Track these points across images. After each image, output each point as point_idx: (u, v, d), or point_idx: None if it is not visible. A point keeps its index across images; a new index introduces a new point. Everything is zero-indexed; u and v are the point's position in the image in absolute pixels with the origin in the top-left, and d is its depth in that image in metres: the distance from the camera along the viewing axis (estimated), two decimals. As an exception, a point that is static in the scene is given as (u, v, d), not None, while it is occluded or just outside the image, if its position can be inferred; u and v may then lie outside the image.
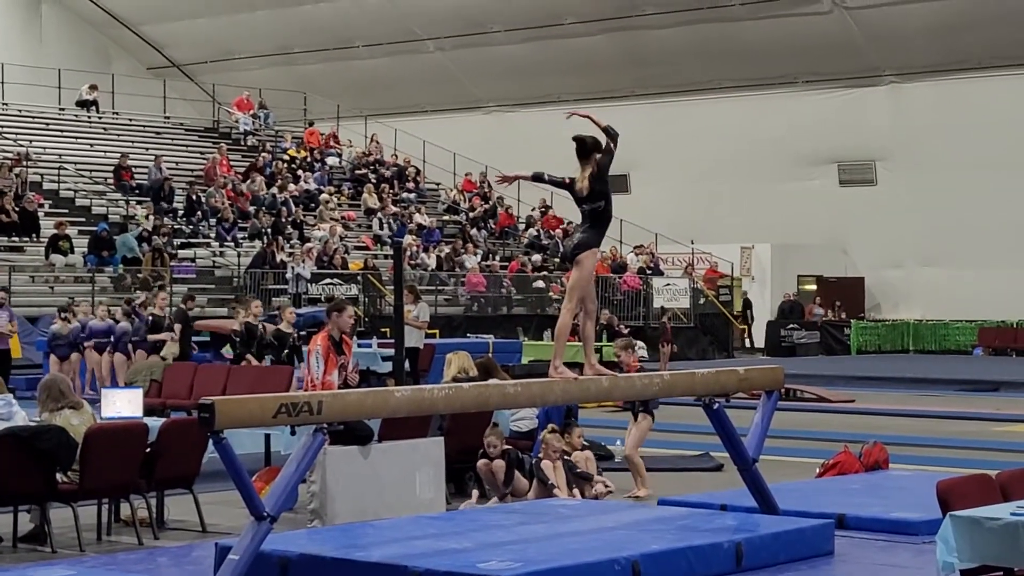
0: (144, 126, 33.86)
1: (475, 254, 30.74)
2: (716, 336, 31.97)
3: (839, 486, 9.97)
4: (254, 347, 16.66)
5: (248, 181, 30.97)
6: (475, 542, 7.16)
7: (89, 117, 33.27)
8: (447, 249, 30.30)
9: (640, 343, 27.91)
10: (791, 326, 32.98)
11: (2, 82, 33.04)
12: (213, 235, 28.02)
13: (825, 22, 33.09)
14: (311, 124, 36.50)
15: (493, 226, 33.86)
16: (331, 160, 34.77)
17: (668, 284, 31.72)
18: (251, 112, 35.55)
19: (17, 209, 25.49)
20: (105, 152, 31.08)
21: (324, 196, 31.62)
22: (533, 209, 34.78)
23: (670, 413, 17.16)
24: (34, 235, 25.55)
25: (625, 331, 24.77)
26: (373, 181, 33.51)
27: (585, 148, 7.69)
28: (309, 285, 25.56)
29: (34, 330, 21.42)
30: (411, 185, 34.60)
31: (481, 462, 10.39)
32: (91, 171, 29.80)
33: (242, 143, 34.82)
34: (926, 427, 16.77)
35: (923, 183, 33.38)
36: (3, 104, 32.62)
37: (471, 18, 36.09)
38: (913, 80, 33.67)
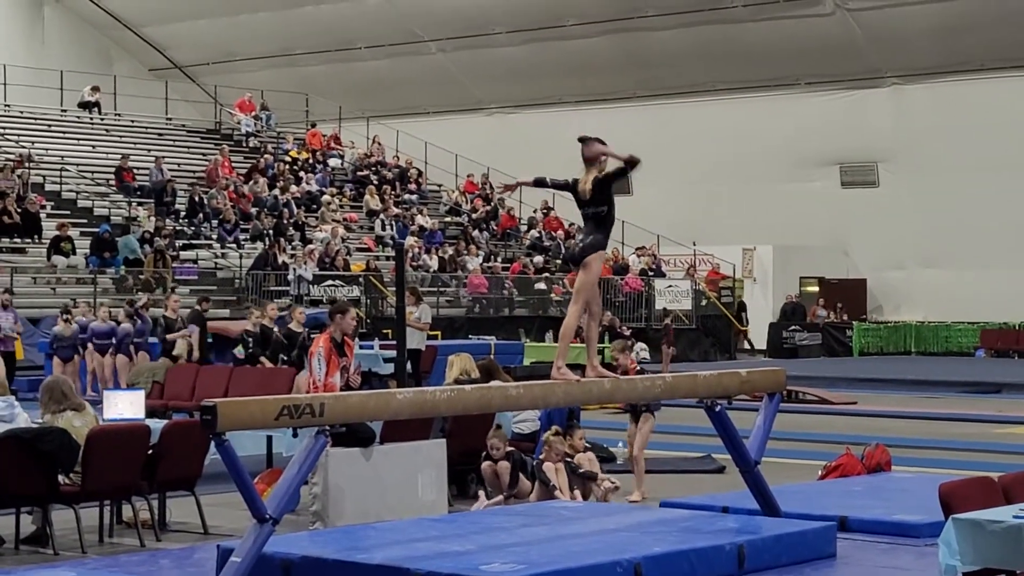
0: (146, 127, 33.87)
1: (477, 255, 30.75)
2: (718, 338, 31.97)
3: (841, 488, 9.97)
4: (268, 349, 16.65)
5: (250, 183, 30.98)
6: (477, 544, 7.16)
7: (91, 118, 33.29)
8: (450, 251, 30.31)
9: (642, 344, 27.96)
10: (793, 328, 32.97)
11: (4, 84, 33.07)
12: (215, 237, 28.03)
13: (827, 24, 33.09)
14: (313, 125, 36.50)
15: (495, 227, 33.86)
16: (333, 161, 34.78)
17: (670, 286, 31.71)
18: (253, 113, 35.58)
19: (19, 210, 25.51)
20: (107, 154, 31.10)
21: (326, 198, 31.63)
22: (535, 211, 34.80)
23: (672, 415, 17.16)
24: (36, 236, 25.56)
25: (627, 332, 24.76)
26: (375, 182, 33.52)
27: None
28: (311, 287, 25.58)
29: (36, 331, 21.43)
30: (413, 187, 34.61)
31: (485, 464, 10.39)
32: (93, 172, 29.82)
33: (244, 144, 34.84)
34: (928, 429, 16.75)
35: (925, 185, 33.37)
36: (5, 106, 32.65)
37: (473, 20, 36.10)
38: (915, 82, 33.66)
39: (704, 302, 32.09)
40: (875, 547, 8.10)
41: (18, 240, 25.30)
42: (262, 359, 16.64)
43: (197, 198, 28.72)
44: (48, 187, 28.39)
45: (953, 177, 32.82)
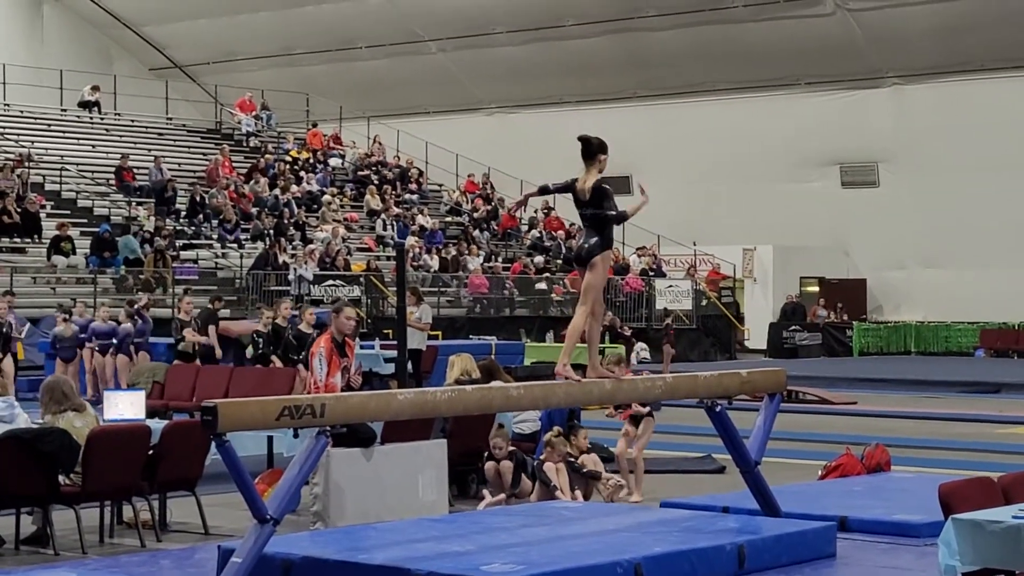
0: (146, 127, 33.88)
1: (477, 255, 30.75)
2: (718, 337, 31.99)
3: (841, 488, 9.97)
4: (280, 349, 16.59)
5: (250, 182, 30.99)
6: (478, 544, 7.16)
7: (91, 118, 33.30)
8: (453, 251, 30.31)
9: (642, 344, 28.01)
10: (793, 328, 32.98)
11: (4, 83, 33.07)
12: (215, 236, 28.03)
13: (827, 24, 33.10)
14: (314, 125, 36.52)
15: (495, 227, 33.87)
16: (333, 161, 34.79)
17: (670, 286, 31.73)
18: (253, 113, 35.59)
19: (19, 210, 25.52)
20: (107, 153, 31.11)
21: (326, 197, 31.64)
22: (536, 211, 34.80)
23: (672, 415, 17.18)
24: (36, 236, 25.57)
25: (627, 332, 24.80)
26: (375, 182, 33.52)
27: (591, 149, 7.51)
28: (311, 287, 25.58)
29: (36, 331, 21.43)
30: (413, 186, 34.62)
31: (489, 464, 10.40)
32: (93, 172, 29.83)
33: (244, 144, 34.85)
34: (928, 429, 16.76)
35: (925, 185, 33.38)
36: (5, 105, 32.65)
37: (473, 19, 36.10)
38: (915, 82, 33.67)
39: (704, 302, 32.10)
40: (875, 547, 8.10)
41: (18, 240, 25.31)
42: (273, 358, 16.51)
43: (198, 198, 28.73)
44: (48, 187, 28.40)
45: (953, 177, 32.83)
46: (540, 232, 33.75)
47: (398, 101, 38.61)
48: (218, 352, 18.21)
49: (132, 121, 34.00)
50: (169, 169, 30.10)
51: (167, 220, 27.72)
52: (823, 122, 34.15)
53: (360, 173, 34.36)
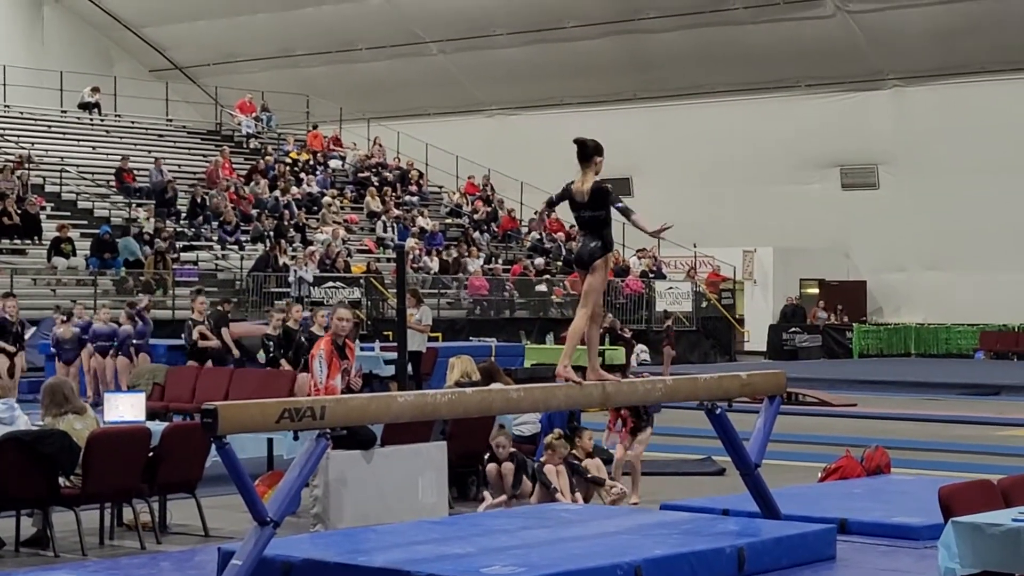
0: (146, 129, 33.89)
1: (478, 257, 30.76)
2: (718, 339, 32.00)
3: (841, 490, 9.97)
4: (292, 352, 16.49)
5: (250, 184, 31.00)
6: (478, 547, 7.17)
7: (91, 119, 33.31)
8: (454, 253, 30.32)
9: (642, 346, 28.02)
10: (793, 329, 32.98)
11: (4, 84, 33.08)
12: (215, 238, 28.04)
13: (828, 26, 33.10)
14: (315, 127, 36.52)
15: (496, 229, 33.88)
16: (334, 163, 34.80)
17: (670, 288, 31.74)
18: (253, 115, 35.60)
19: (19, 212, 25.52)
20: (107, 155, 31.12)
21: (327, 199, 31.65)
22: (535, 212, 34.78)
23: (672, 417, 17.19)
24: (36, 238, 25.57)
25: (628, 334, 24.79)
26: (376, 184, 33.53)
27: (587, 151, 7.47)
28: (311, 288, 25.58)
29: (37, 333, 21.42)
30: (414, 188, 34.63)
31: (490, 465, 10.40)
32: (93, 174, 29.83)
33: (244, 146, 34.86)
34: (928, 431, 16.77)
35: (925, 187, 33.38)
36: (5, 106, 32.66)
37: (474, 21, 36.11)
38: (916, 84, 33.67)
39: (704, 304, 32.11)
40: (875, 549, 8.10)
41: (18, 241, 25.32)
42: (283, 361, 16.38)
43: (199, 199, 28.73)
44: (48, 188, 28.40)
45: (953, 179, 32.83)
46: (540, 234, 33.75)
47: (398, 103, 38.61)
48: (235, 352, 18.11)
49: (132, 123, 34.02)
50: (169, 171, 30.10)
51: (167, 222, 27.71)
52: (823, 124, 34.15)
53: (360, 175, 34.36)
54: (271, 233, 28.37)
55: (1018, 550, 5.89)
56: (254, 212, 29.41)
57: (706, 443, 13.06)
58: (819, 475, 10.88)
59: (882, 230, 34.28)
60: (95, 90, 33.69)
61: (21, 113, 32.49)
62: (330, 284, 26.08)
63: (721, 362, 30.39)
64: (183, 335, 18.45)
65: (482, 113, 39.03)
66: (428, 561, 6.74)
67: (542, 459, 10.46)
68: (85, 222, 27.23)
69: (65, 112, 33.41)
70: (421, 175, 35.53)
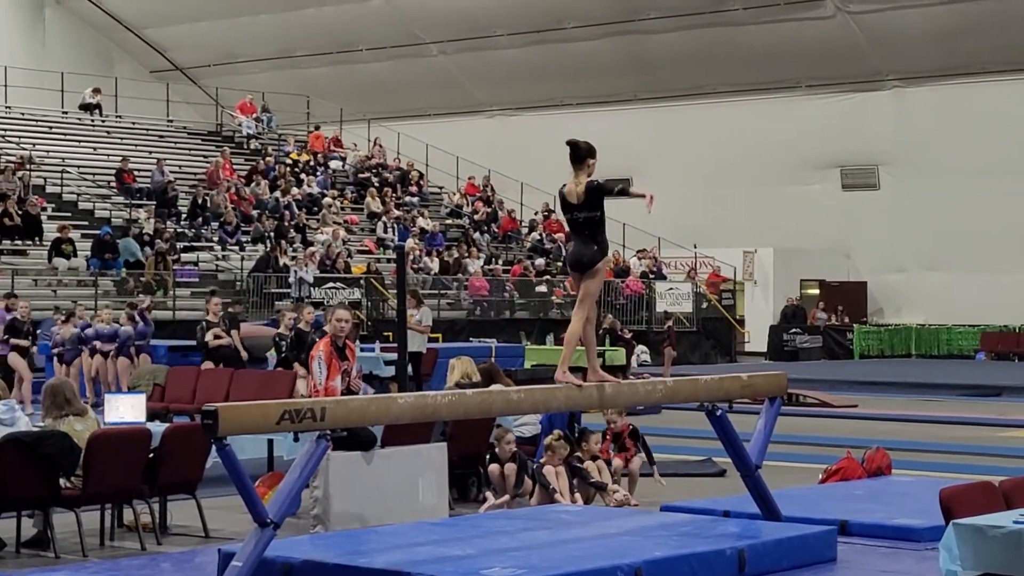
0: (147, 129, 33.89)
1: (478, 258, 30.76)
2: (719, 340, 32.00)
3: (842, 492, 9.96)
4: (304, 353, 16.37)
5: (251, 184, 31.00)
6: (478, 548, 7.16)
7: (92, 120, 33.31)
8: (454, 254, 30.31)
9: (643, 347, 28.02)
10: (793, 330, 32.98)
11: (5, 85, 33.09)
12: (216, 239, 28.04)
13: (828, 26, 33.10)
14: (317, 128, 36.54)
15: (496, 230, 33.88)
16: (334, 164, 34.80)
17: (671, 288, 31.74)
18: (254, 116, 35.60)
19: (20, 213, 25.52)
20: (108, 155, 31.12)
21: (327, 200, 31.65)
22: (536, 213, 34.81)
23: (673, 418, 17.19)
24: (37, 239, 25.57)
25: (628, 335, 24.79)
26: (376, 185, 33.53)
27: (579, 153, 7.44)
28: (312, 289, 25.58)
29: (37, 333, 21.40)
30: (414, 189, 34.63)
31: (492, 466, 10.40)
32: (94, 174, 29.84)
33: (245, 147, 34.86)
34: (929, 432, 16.76)
35: (926, 188, 33.37)
36: (6, 107, 32.67)
37: (474, 22, 36.11)
38: (916, 84, 33.67)
39: (705, 305, 32.11)
40: (876, 551, 8.09)
41: (19, 242, 25.31)
42: (295, 363, 16.28)
43: (200, 200, 28.73)
44: (49, 189, 28.41)
45: (954, 180, 32.83)
46: (540, 235, 33.76)
47: (399, 103, 38.62)
48: (243, 354, 18.03)
49: (133, 123, 34.02)
50: (170, 171, 30.11)
51: (168, 222, 27.71)
52: (824, 125, 34.15)
53: (360, 175, 34.36)
54: (271, 234, 28.37)
55: (1019, 552, 5.89)
56: (254, 213, 29.41)
57: (707, 444, 13.04)
58: (820, 476, 10.87)
59: (883, 231, 34.28)
60: (96, 91, 33.70)
61: (22, 114, 32.49)
62: (330, 285, 26.08)
63: (721, 363, 30.39)
64: (197, 336, 18.27)
65: (482, 114, 39.04)
66: (428, 562, 6.73)
67: (542, 460, 10.46)
68: (86, 223, 27.24)
69: (66, 113, 33.41)
70: (421, 176, 35.53)
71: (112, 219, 27.70)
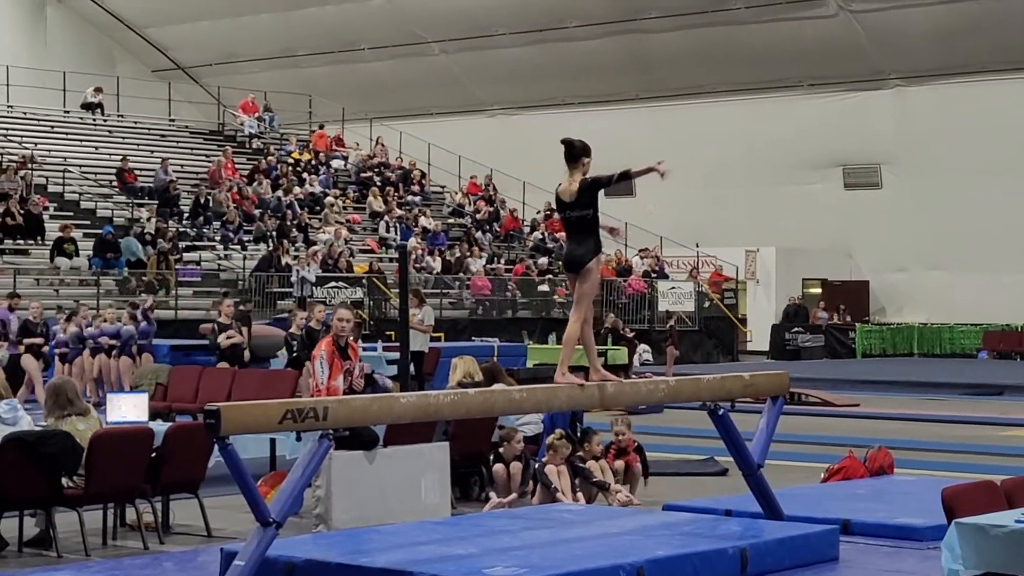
0: (149, 129, 33.90)
1: (480, 257, 30.76)
2: (721, 339, 31.99)
3: (844, 491, 9.96)
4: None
5: (253, 184, 31.01)
6: (480, 548, 7.17)
7: (94, 120, 33.32)
8: (456, 253, 30.31)
9: (645, 346, 28.01)
10: (796, 329, 32.97)
11: (7, 85, 33.08)
12: (218, 238, 28.05)
13: (830, 26, 33.08)
14: (321, 127, 36.55)
15: (498, 229, 33.88)
16: (336, 163, 34.81)
17: (673, 287, 31.73)
18: (256, 115, 35.60)
19: (22, 212, 25.53)
20: (110, 155, 31.13)
21: (329, 199, 31.66)
22: (538, 212, 34.81)
23: (675, 417, 17.20)
24: (39, 238, 25.58)
25: (630, 334, 24.79)
26: (378, 184, 33.54)
27: (574, 152, 7.44)
28: (314, 288, 25.58)
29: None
30: (416, 188, 34.64)
31: (498, 466, 10.40)
32: (96, 174, 29.84)
33: (247, 146, 34.87)
34: (931, 431, 16.75)
35: (928, 187, 33.37)
36: (8, 107, 32.67)
37: (476, 21, 36.11)
38: (918, 84, 33.66)
39: (707, 304, 32.10)
40: (878, 550, 8.09)
41: (21, 242, 25.32)
42: (307, 363, 16.22)
43: (202, 199, 28.74)
44: (51, 188, 28.42)
45: (956, 179, 32.82)
46: (542, 234, 33.75)
47: (401, 103, 38.62)
48: (247, 354, 18.00)
49: (135, 123, 34.03)
50: (172, 171, 30.11)
51: (170, 222, 27.72)
52: (825, 124, 34.14)
53: (363, 175, 34.37)
54: (274, 233, 28.38)
55: (1021, 551, 5.89)
56: (257, 212, 29.42)
57: (709, 443, 13.04)
58: (822, 476, 10.87)
59: (884, 230, 34.27)
60: (98, 90, 33.71)
61: (24, 113, 32.50)
62: (332, 284, 26.09)
63: (724, 362, 30.38)
64: (209, 338, 18.14)
65: (484, 113, 39.04)
66: (430, 562, 6.74)
67: (544, 459, 10.46)
68: (88, 222, 27.25)
69: (68, 112, 33.43)
70: (423, 175, 35.53)
71: (114, 218, 27.71)
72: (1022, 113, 31.72)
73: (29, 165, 28.04)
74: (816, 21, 33.12)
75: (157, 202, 28.53)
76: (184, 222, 28.40)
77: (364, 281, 26.92)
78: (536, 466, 10.44)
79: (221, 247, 27.79)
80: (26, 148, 29.54)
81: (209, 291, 25.91)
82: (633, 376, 19.21)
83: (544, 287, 30.18)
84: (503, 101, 38.78)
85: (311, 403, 6.55)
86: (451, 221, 33.64)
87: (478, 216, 33.92)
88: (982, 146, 32.23)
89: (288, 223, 29.13)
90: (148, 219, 27.06)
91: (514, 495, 10.28)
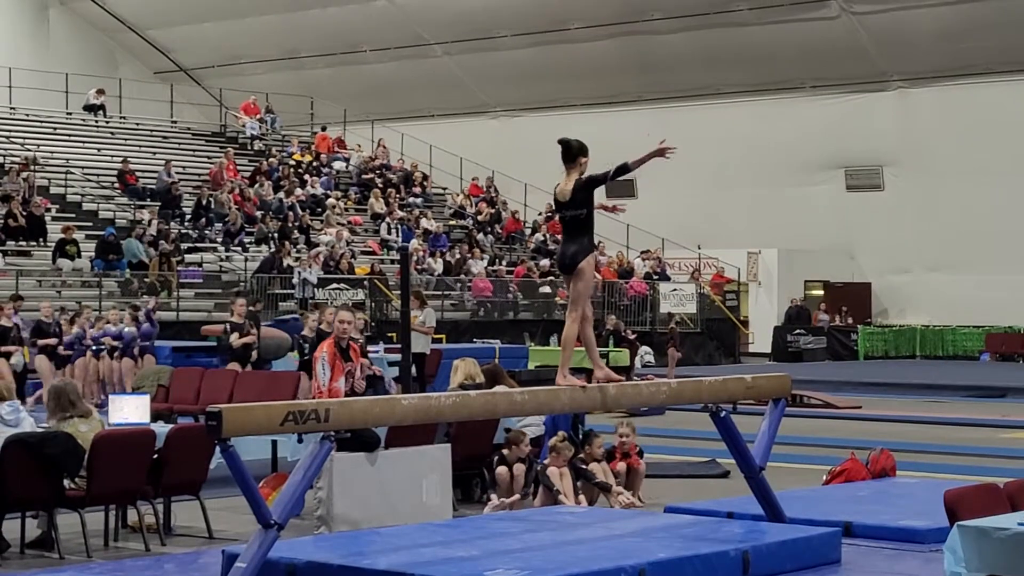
0: (151, 130, 33.91)
1: (481, 259, 30.76)
2: (723, 341, 31.97)
3: (846, 493, 9.96)
4: None
5: (255, 186, 31.02)
6: (482, 550, 7.17)
7: (96, 121, 33.34)
8: (457, 255, 30.31)
9: (646, 348, 28.00)
10: (798, 331, 32.96)
11: (9, 86, 33.10)
12: (220, 240, 28.05)
13: (833, 27, 33.07)
14: (322, 129, 36.55)
15: (499, 231, 33.88)
16: (338, 164, 34.81)
17: (675, 289, 31.72)
18: (258, 116, 35.62)
19: (24, 214, 25.54)
20: (112, 156, 31.14)
21: (331, 201, 31.66)
22: (539, 214, 34.81)
23: (677, 419, 17.20)
24: (41, 239, 25.59)
25: (632, 336, 24.78)
26: (380, 186, 33.55)
27: (571, 152, 7.43)
28: (316, 290, 25.59)
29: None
30: (418, 190, 34.64)
31: (501, 468, 10.39)
32: (98, 175, 29.85)
33: (249, 148, 34.88)
34: (933, 434, 16.74)
35: (930, 188, 33.35)
36: (11, 108, 32.69)
37: (478, 23, 36.11)
38: (920, 85, 33.64)
39: (709, 305, 32.09)
40: (880, 553, 8.09)
41: (23, 243, 25.33)
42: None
43: (204, 201, 28.75)
44: (53, 190, 28.43)
45: (958, 181, 32.80)
46: (544, 235, 33.75)
47: (402, 104, 38.63)
48: (254, 354, 17.93)
49: (137, 124, 34.04)
50: (174, 172, 30.12)
51: (172, 223, 27.73)
52: (828, 125, 34.14)
53: (364, 176, 34.38)
54: (275, 235, 28.38)
55: (1024, 554, 5.88)
56: (258, 214, 29.42)
57: (710, 446, 13.05)
58: (824, 478, 10.87)
59: (887, 232, 34.25)
60: (100, 92, 33.73)
61: (27, 115, 32.52)
62: (334, 286, 26.09)
63: (725, 364, 30.38)
64: (221, 339, 18.04)
65: (486, 115, 39.04)
66: (432, 564, 6.74)
67: (546, 461, 10.45)
68: (90, 224, 27.26)
69: (70, 114, 33.44)
70: (425, 177, 35.54)
71: (116, 220, 27.73)
72: (1025, 114, 31.73)
73: (31, 167, 28.06)
74: (818, 23, 33.11)
75: (159, 204, 28.54)
76: (186, 224, 28.41)
77: (365, 283, 26.92)
78: (538, 468, 10.44)
79: (223, 249, 27.80)
80: (28, 150, 29.57)
81: (211, 293, 25.93)
82: (635, 378, 19.21)
83: (546, 289, 30.17)
84: (505, 103, 38.78)
85: (313, 405, 6.55)
86: (452, 223, 33.64)
87: (480, 218, 33.92)
88: (985, 147, 32.22)
89: (290, 225, 29.13)
90: (150, 221, 27.06)
91: (516, 496, 10.28)
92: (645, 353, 27.64)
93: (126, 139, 32.87)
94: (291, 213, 29.74)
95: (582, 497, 10.32)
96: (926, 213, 33.38)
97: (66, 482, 8.56)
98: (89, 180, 29.45)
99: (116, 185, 29.45)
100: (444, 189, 36.22)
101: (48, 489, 8.45)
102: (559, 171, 7.65)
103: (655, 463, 12.23)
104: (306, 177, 32.95)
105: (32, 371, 18.70)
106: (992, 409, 20.42)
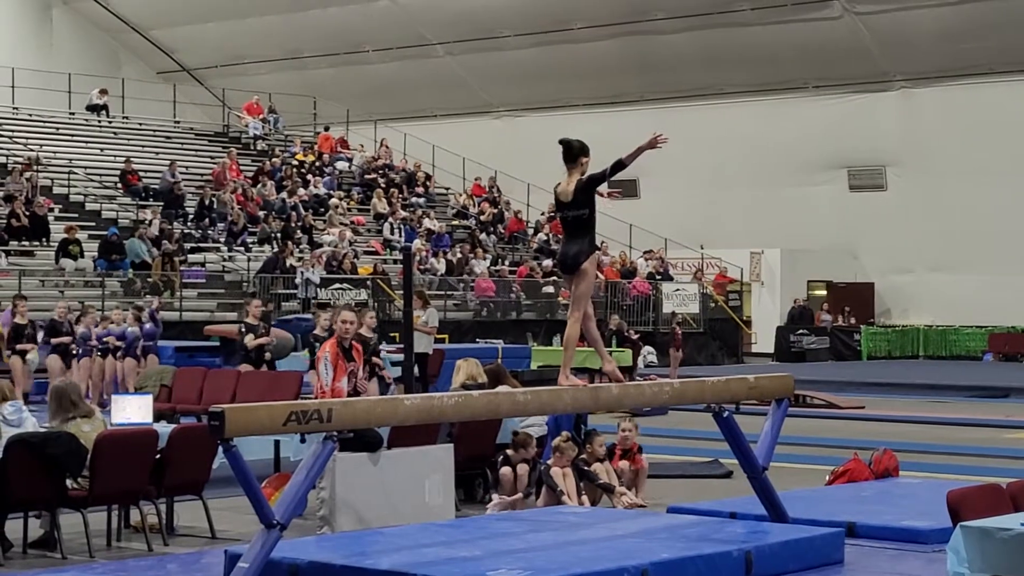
0: (154, 130, 33.93)
1: (484, 259, 30.76)
2: (725, 341, 31.97)
3: (849, 494, 9.95)
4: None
5: (258, 186, 31.03)
6: (484, 550, 7.16)
7: (99, 121, 33.36)
8: (460, 255, 30.31)
9: (649, 348, 27.99)
10: (800, 331, 32.95)
11: (13, 86, 33.13)
12: (222, 240, 28.07)
13: (835, 27, 33.07)
14: (326, 129, 36.56)
15: (502, 231, 33.88)
16: (340, 165, 34.82)
17: (678, 289, 31.72)
18: (261, 116, 35.63)
19: (27, 214, 25.56)
20: (115, 156, 31.16)
21: (333, 201, 31.67)
22: (542, 214, 34.81)
23: (680, 419, 17.19)
24: (44, 239, 25.61)
25: (635, 336, 24.77)
26: (383, 186, 33.55)
27: (572, 152, 7.42)
28: (318, 290, 25.60)
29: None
30: (420, 190, 34.65)
31: (505, 468, 10.38)
32: (101, 175, 29.87)
33: (252, 148, 34.89)
34: (936, 434, 16.73)
35: (933, 188, 33.34)
36: (14, 108, 32.71)
37: (481, 23, 36.12)
38: (923, 85, 33.63)
39: (712, 306, 32.08)
40: (883, 553, 8.08)
41: (26, 243, 25.35)
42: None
43: (207, 201, 28.76)
44: (56, 190, 28.45)
45: (961, 181, 32.79)
46: (547, 235, 33.74)
47: (405, 104, 38.64)
48: (267, 355, 17.90)
49: (140, 124, 34.05)
50: (177, 172, 30.14)
51: (175, 223, 27.75)
52: (830, 125, 34.13)
53: (367, 176, 34.38)
54: (278, 235, 28.39)
55: (1027, 554, 5.87)
56: (261, 214, 29.43)
57: (713, 446, 13.04)
58: (827, 478, 10.86)
59: (890, 232, 34.24)
60: (103, 92, 33.74)
61: (30, 115, 32.54)
62: (337, 286, 26.10)
63: (728, 364, 30.37)
64: (237, 342, 17.97)
65: (489, 115, 39.04)
66: (434, 564, 6.74)
67: (549, 462, 10.45)
68: (93, 224, 27.28)
69: (73, 114, 33.46)
70: (428, 177, 35.54)
71: (119, 220, 27.74)
72: (1028, 114, 31.71)
73: (34, 167, 28.08)
74: (821, 23, 33.10)
75: (162, 204, 28.55)
76: (189, 224, 28.42)
77: (368, 283, 26.93)
78: (542, 468, 10.43)
79: (225, 249, 27.81)
80: (31, 150, 29.59)
81: (214, 293, 25.94)
82: (638, 378, 19.21)
83: (549, 289, 30.17)
84: (508, 103, 38.78)
85: (315, 405, 6.55)
86: (455, 223, 33.65)
87: (482, 218, 33.92)
88: (987, 147, 32.20)
89: (292, 225, 29.14)
90: (151, 221, 27.08)
91: (518, 495, 10.28)
92: (648, 353, 27.63)
93: (129, 139, 32.88)
94: (294, 213, 29.75)
95: (585, 497, 10.31)
96: (929, 213, 33.37)
97: (69, 482, 8.56)
98: (92, 180, 29.46)
99: (119, 185, 29.46)
100: (447, 189, 36.23)
101: (51, 489, 8.46)
102: (561, 171, 7.65)
103: (657, 463, 12.21)
104: (309, 177, 32.96)
105: (42, 370, 18.73)
106: (995, 409, 20.42)
